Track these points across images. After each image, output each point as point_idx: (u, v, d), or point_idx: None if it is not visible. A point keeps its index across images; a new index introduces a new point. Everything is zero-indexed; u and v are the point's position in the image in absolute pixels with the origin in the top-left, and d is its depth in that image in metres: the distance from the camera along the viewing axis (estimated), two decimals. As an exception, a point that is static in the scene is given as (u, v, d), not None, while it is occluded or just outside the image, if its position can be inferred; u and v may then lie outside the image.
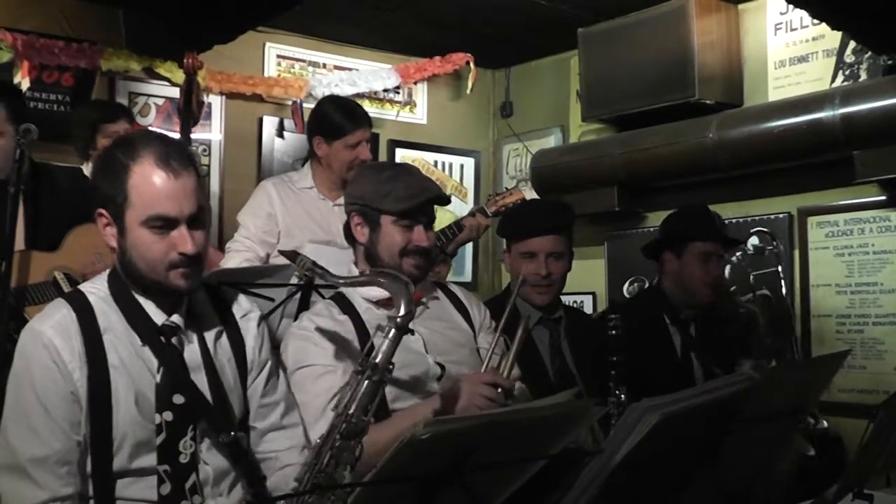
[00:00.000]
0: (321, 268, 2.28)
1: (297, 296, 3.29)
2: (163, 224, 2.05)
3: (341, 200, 3.71)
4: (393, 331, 2.12)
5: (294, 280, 3.40)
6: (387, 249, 2.60)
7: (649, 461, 1.63)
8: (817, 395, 2.14)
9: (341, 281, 2.34)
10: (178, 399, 2.08)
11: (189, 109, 3.92)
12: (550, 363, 3.25)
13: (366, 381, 2.06)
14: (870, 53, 4.64)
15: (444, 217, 6.19)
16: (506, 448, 1.53)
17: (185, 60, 3.92)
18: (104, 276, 2.19)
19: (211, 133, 5.35)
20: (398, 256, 2.59)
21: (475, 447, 1.42)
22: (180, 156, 2.10)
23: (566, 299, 4.05)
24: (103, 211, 2.10)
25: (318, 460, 2.00)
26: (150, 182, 2.04)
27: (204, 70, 5.19)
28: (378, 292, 2.64)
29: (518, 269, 3.23)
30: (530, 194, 4.83)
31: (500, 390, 2.42)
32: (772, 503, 2.16)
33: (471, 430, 1.41)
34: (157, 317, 2.13)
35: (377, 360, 2.08)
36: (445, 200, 2.72)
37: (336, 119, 3.74)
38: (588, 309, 5.58)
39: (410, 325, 2.61)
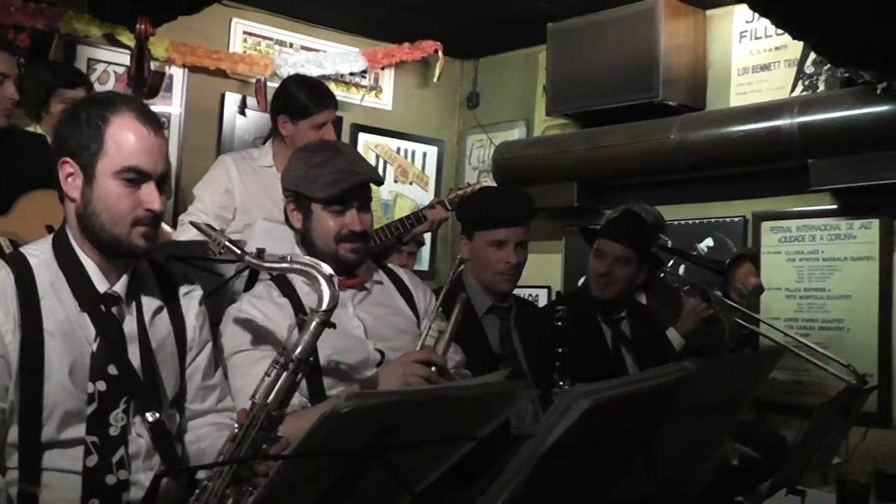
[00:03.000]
0: (239, 247, 2.15)
1: (245, 273, 3.27)
2: (135, 177, 2.03)
3: (301, 181, 3.70)
4: (315, 323, 2.03)
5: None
6: (321, 237, 2.57)
7: (581, 447, 1.63)
8: (753, 390, 2.16)
9: (260, 262, 2.18)
10: (113, 370, 2.03)
11: (140, 77, 3.85)
12: (500, 351, 3.24)
13: (284, 373, 1.98)
14: (829, 65, 4.72)
15: (405, 205, 6.21)
16: (434, 427, 1.51)
17: (137, 26, 3.85)
18: (48, 238, 2.14)
19: (171, 106, 5.29)
20: (333, 242, 2.56)
21: (399, 424, 1.39)
22: (156, 117, 2.12)
23: (522, 292, 4.06)
24: (69, 159, 2.05)
25: (238, 451, 1.94)
26: (129, 134, 2.03)
27: (167, 41, 5.15)
28: None
29: (484, 256, 3.22)
30: (491, 188, 4.82)
31: (434, 369, 2.38)
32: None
33: (394, 406, 1.38)
34: (100, 284, 2.08)
35: (297, 353, 2.00)
36: (377, 181, 2.68)
37: (302, 99, 3.71)
38: (542, 303, 5.60)
39: (353, 310, 2.62)
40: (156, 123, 2.09)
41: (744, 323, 4.14)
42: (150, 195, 2.05)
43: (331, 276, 2.07)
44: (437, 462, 1.64)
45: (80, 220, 2.08)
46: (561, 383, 3.05)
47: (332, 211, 2.55)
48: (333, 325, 2.08)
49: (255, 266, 2.20)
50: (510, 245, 3.21)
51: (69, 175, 2.07)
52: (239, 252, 2.14)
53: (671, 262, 4.80)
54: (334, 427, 1.30)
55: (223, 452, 1.94)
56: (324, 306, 2.04)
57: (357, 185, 2.56)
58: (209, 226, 2.22)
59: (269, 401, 1.95)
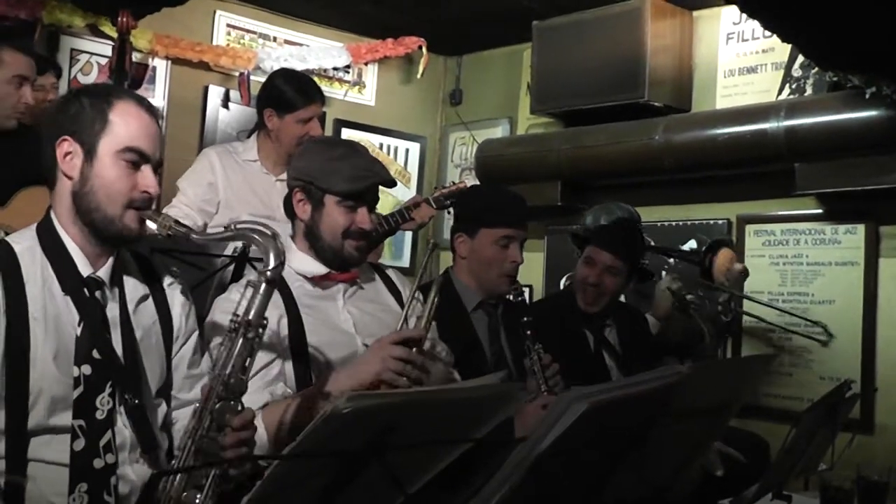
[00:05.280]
0: (183, 225, 2.15)
1: (231, 268, 3.24)
2: (136, 159, 2.08)
3: (284, 176, 3.67)
4: (263, 285, 2.04)
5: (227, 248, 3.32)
6: (329, 230, 2.58)
7: (576, 449, 1.61)
8: (745, 395, 2.16)
9: (205, 235, 2.27)
10: (97, 354, 2.04)
11: (121, 69, 3.81)
12: (489, 347, 3.23)
13: (240, 339, 2.00)
14: (816, 69, 4.71)
15: (386, 201, 6.17)
16: (430, 428, 1.50)
17: (118, 19, 3.81)
18: (32, 227, 2.14)
19: (154, 98, 5.23)
20: (340, 237, 2.57)
21: (398, 425, 1.38)
22: (155, 109, 2.21)
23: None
24: (69, 137, 2.08)
25: (200, 424, 1.96)
26: (133, 116, 2.09)
27: (150, 33, 5.10)
28: (312, 267, 2.60)
29: (489, 255, 3.19)
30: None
31: (414, 349, 2.38)
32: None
33: (393, 407, 1.38)
34: (84, 268, 2.09)
35: (249, 317, 2.02)
36: (392, 183, 2.72)
37: (289, 92, 3.70)
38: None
39: (343, 304, 2.62)
40: (155, 113, 2.15)
41: (745, 310, 4.14)
42: (147, 178, 2.09)
43: (274, 234, 2.07)
44: (434, 463, 1.64)
45: (76, 199, 2.09)
46: (535, 350, 3.03)
47: (345, 206, 2.57)
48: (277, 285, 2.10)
49: (200, 240, 2.29)
50: (517, 244, 3.21)
51: (67, 154, 2.08)
52: (184, 230, 2.13)
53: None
54: (334, 428, 1.29)
55: (187, 429, 1.98)
56: (270, 265, 2.05)
57: (374, 184, 2.60)
58: (154, 211, 2.19)
59: (227, 370, 1.97)
